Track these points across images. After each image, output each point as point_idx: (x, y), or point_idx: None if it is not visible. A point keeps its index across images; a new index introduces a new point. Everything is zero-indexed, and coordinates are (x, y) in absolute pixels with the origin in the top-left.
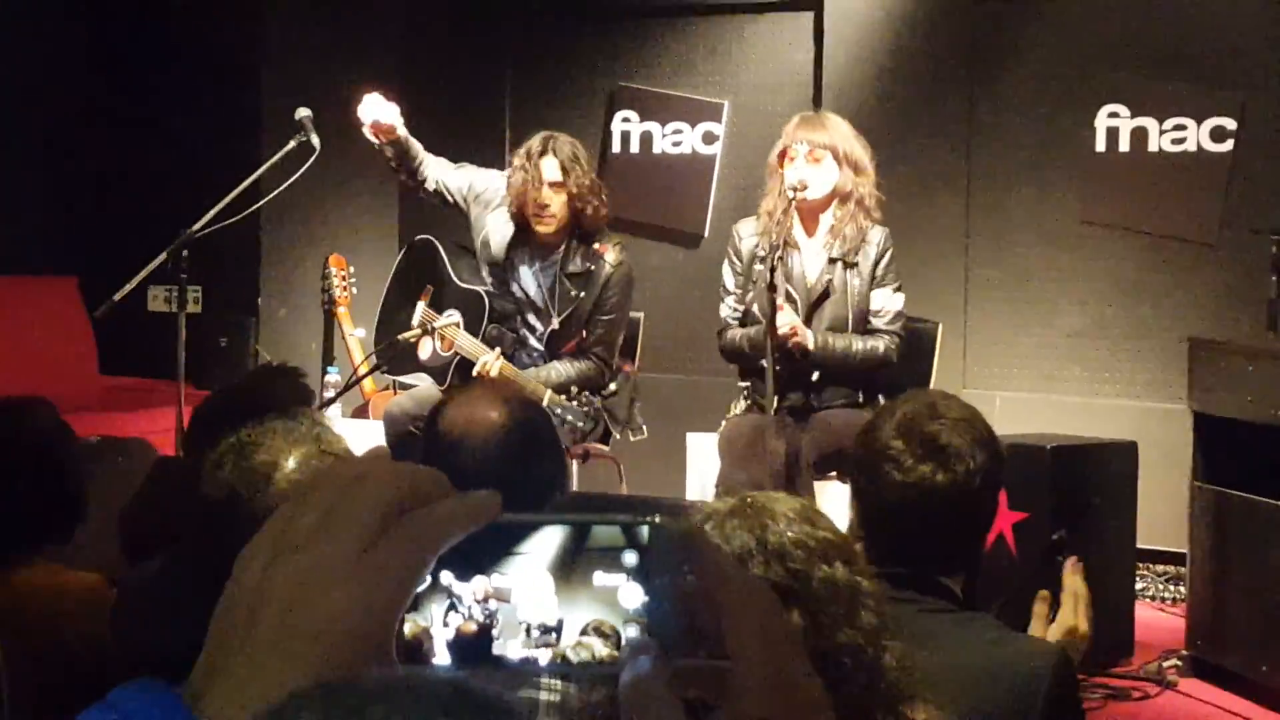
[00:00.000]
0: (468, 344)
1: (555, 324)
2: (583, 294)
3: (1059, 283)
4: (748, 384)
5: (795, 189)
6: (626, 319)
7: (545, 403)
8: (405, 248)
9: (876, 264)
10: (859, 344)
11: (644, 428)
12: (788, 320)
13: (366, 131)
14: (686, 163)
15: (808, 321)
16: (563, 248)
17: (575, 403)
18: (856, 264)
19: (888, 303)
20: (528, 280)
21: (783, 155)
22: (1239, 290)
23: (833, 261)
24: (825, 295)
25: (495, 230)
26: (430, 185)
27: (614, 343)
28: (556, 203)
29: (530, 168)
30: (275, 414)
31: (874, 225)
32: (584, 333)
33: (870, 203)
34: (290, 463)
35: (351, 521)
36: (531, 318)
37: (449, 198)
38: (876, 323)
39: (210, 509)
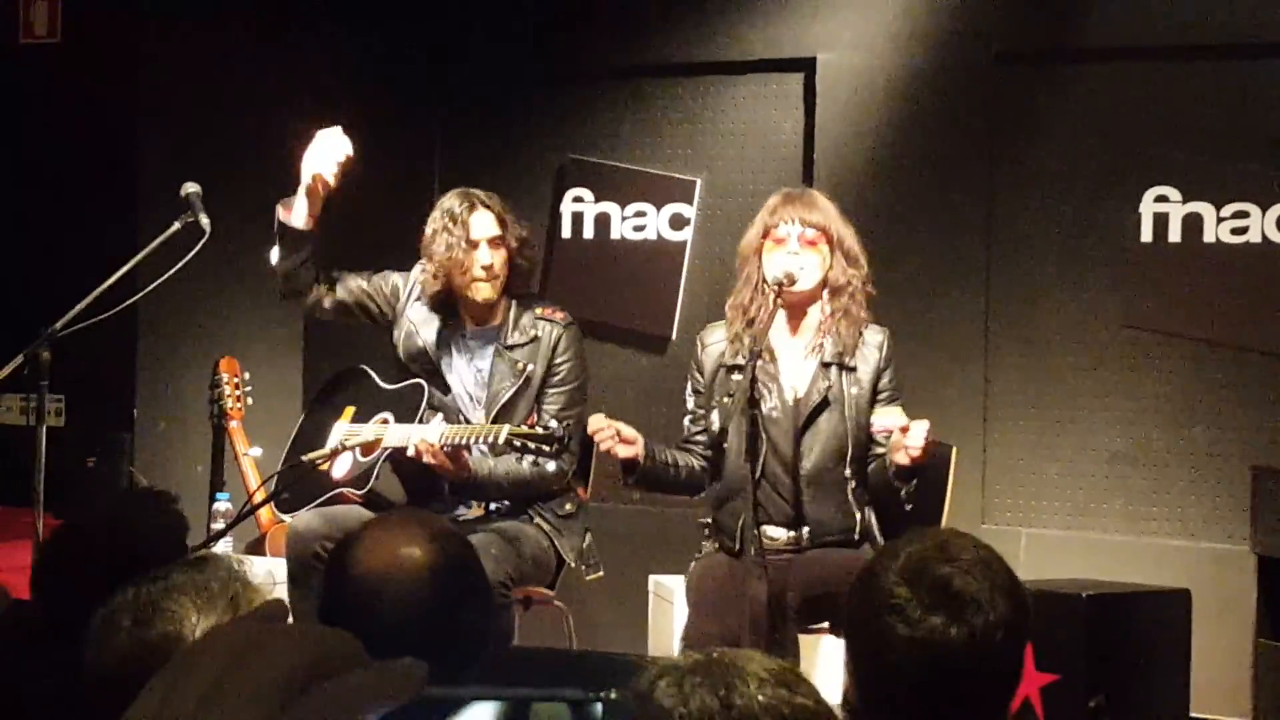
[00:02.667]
0: (399, 434)
1: (498, 407)
2: (531, 365)
3: (1097, 399)
4: (708, 521)
5: (783, 282)
6: (586, 392)
7: (504, 436)
8: (333, 376)
9: (880, 374)
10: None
11: (600, 565)
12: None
13: (320, 174)
14: (651, 251)
15: (799, 440)
16: (500, 320)
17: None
18: (855, 368)
19: (897, 421)
20: (464, 373)
21: (766, 235)
22: None
23: (827, 366)
24: (823, 406)
25: (419, 323)
26: (341, 292)
27: (577, 418)
28: (498, 261)
29: (456, 228)
30: (183, 564)
31: (870, 324)
32: (536, 412)
33: (866, 294)
34: (199, 634)
35: (245, 699)
36: (473, 415)
37: (371, 302)
38: (880, 451)
39: (96, 680)
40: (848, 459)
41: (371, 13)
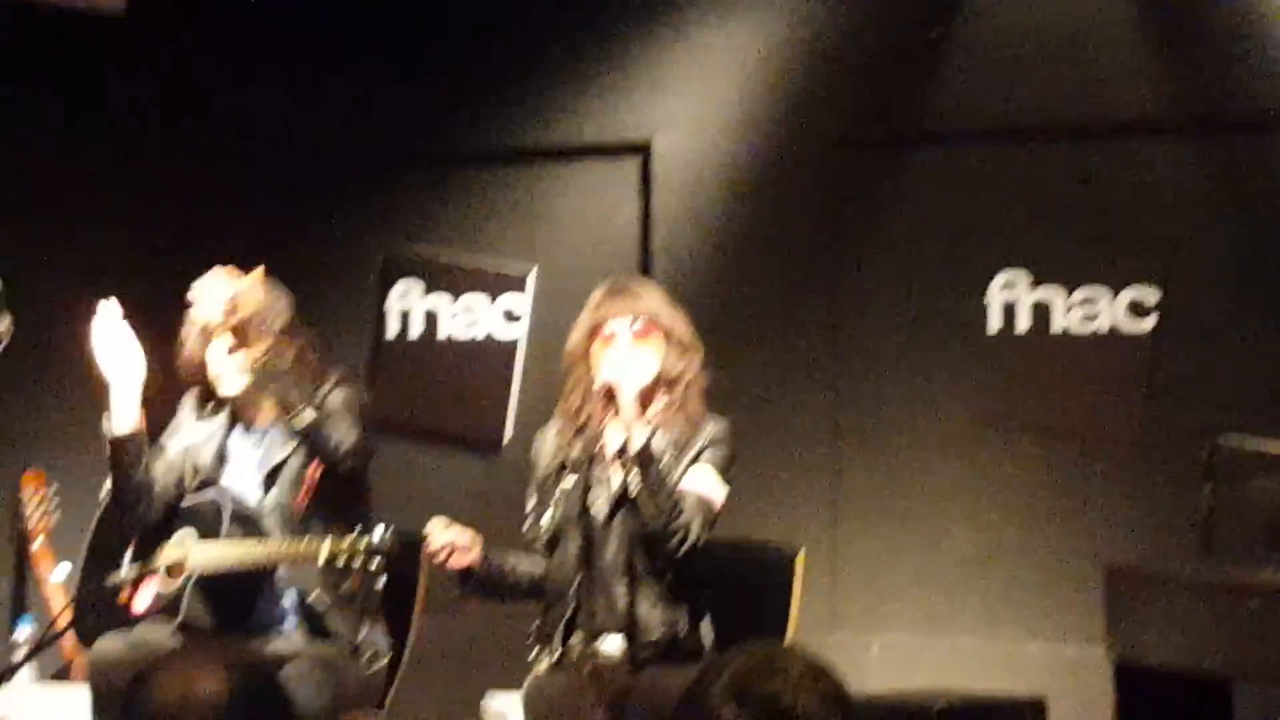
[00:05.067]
0: (206, 554)
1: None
2: (297, 443)
3: (948, 497)
4: (536, 625)
5: (613, 383)
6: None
7: (324, 555)
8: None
9: (702, 449)
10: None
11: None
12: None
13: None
14: (482, 350)
15: (629, 543)
16: (274, 414)
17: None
18: (676, 456)
19: (702, 483)
20: (245, 471)
21: (594, 335)
22: (1167, 505)
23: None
24: (624, 496)
25: (191, 435)
26: (159, 487)
27: (363, 484)
28: (236, 351)
29: (206, 312)
30: None
31: (709, 415)
32: (311, 490)
33: (703, 386)
34: None
35: None
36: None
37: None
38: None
39: None
40: None
41: (182, 93)
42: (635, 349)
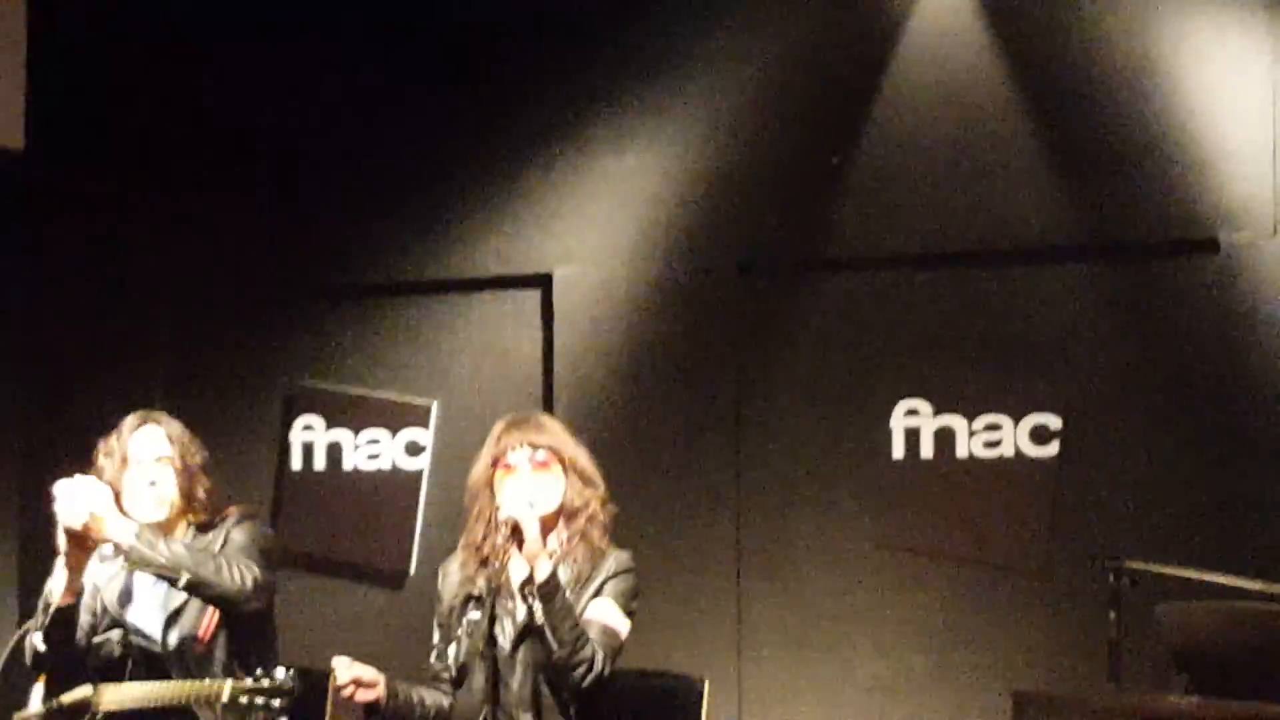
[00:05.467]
0: (112, 694)
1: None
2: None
3: (854, 624)
4: None
5: (516, 515)
6: (268, 547)
7: (227, 694)
8: (19, 634)
9: (605, 582)
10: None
11: None
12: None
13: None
14: (386, 482)
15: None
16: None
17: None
18: (578, 587)
19: (606, 615)
20: (137, 617)
21: (495, 466)
22: (1073, 629)
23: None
24: (528, 628)
25: (97, 573)
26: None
27: (266, 619)
28: (163, 478)
29: (119, 446)
30: None
31: (612, 548)
32: (212, 629)
33: (605, 518)
34: None
35: None
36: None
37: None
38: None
39: None
40: None
41: (86, 230)
42: (537, 479)
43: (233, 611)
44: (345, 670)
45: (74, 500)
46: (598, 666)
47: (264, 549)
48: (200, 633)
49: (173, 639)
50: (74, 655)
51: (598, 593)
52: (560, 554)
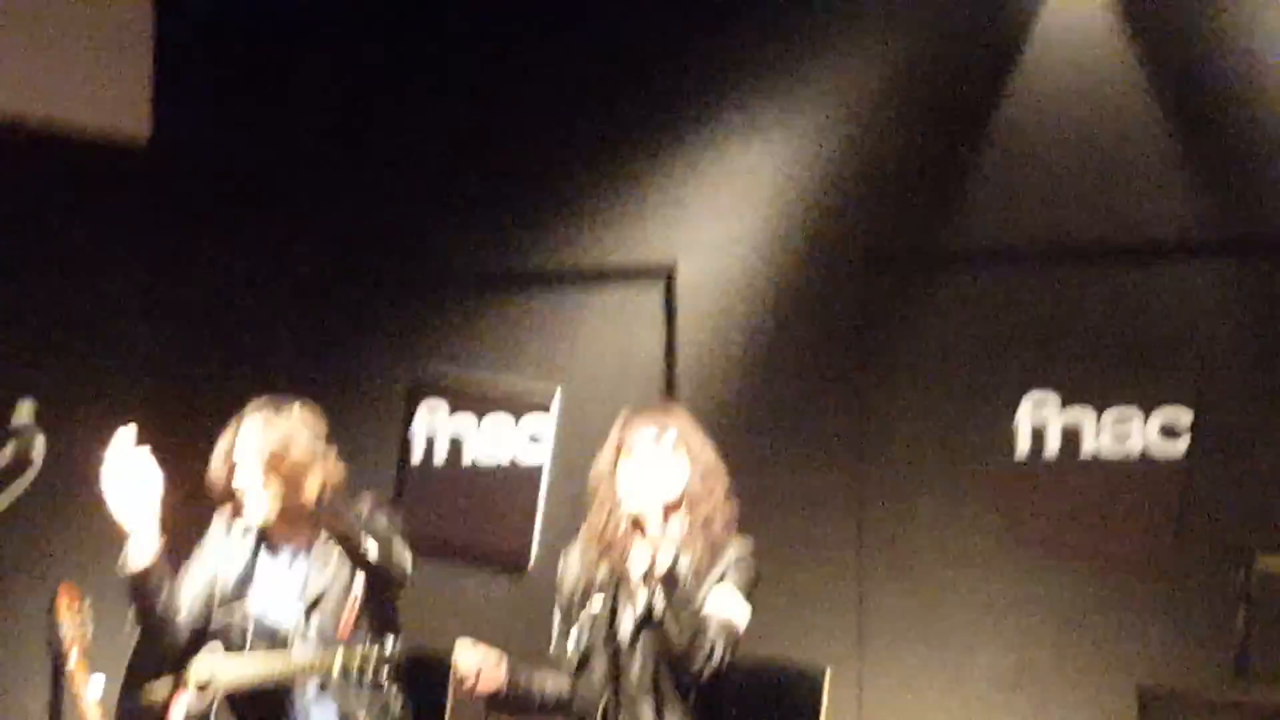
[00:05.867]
0: (231, 671)
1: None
2: (349, 573)
3: (977, 618)
4: None
5: (638, 503)
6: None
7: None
8: None
9: (725, 571)
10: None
11: None
12: None
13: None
14: (507, 471)
15: (654, 663)
16: (306, 537)
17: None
18: (699, 577)
19: (726, 605)
20: (276, 592)
21: (619, 453)
22: (1200, 628)
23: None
24: (648, 618)
25: (220, 555)
26: (185, 619)
27: (394, 607)
28: (269, 474)
29: (232, 437)
30: None
31: (732, 539)
32: (353, 619)
33: (729, 508)
34: None
35: None
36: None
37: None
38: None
39: None
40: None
41: (209, 219)
42: (660, 464)
43: (388, 593)
44: (468, 656)
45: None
46: (716, 657)
47: (402, 533)
48: (340, 627)
49: (312, 629)
50: (174, 631)
51: (718, 582)
52: (681, 544)
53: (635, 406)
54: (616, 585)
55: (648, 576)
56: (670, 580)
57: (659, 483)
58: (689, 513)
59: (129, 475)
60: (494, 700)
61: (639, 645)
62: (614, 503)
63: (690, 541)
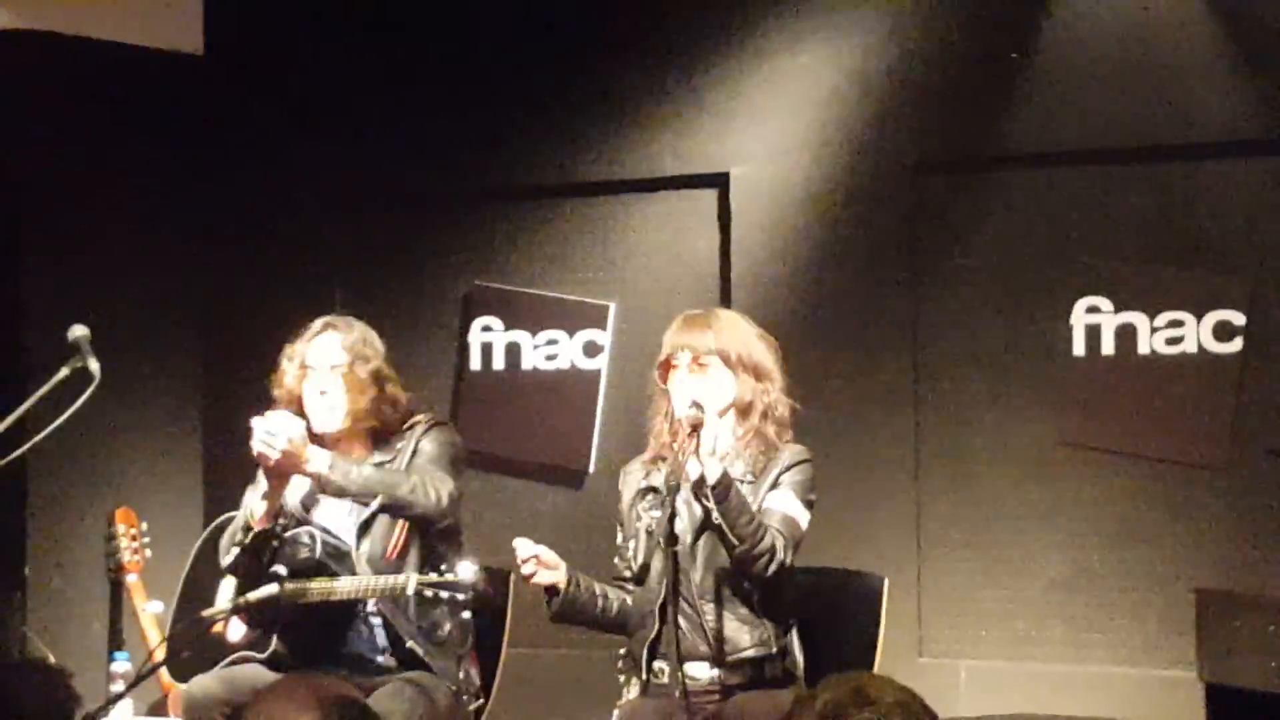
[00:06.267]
0: (297, 590)
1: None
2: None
3: (1033, 522)
4: (622, 653)
5: (690, 419)
6: (460, 466)
7: (412, 587)
8: (211, 527)
9: (781, 473)
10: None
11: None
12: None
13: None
14: (564, 381)
15: (710, 566)
16: (365, 455)
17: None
18: (754, 482)
19: (785, 505)
20: (336, 513)
21: (666, 368)
22: (1257, 527)
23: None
24: (705, 524)
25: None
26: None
27: (453, 527)
28: (334, 388)
29: (300, 352)
30: None
31: (788, 443)
32: (402, 543)
33: (782, 411)
34: None
35: None
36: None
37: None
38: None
39: None
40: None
41: (264, 135)
42: (696, 381)
43: (428, 528)
44: (526, 549)
45: (270, 434)
46: (779, 555)
47: (454, 459)
48: (388, 551)
49: (363, 550)
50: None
51: (775, 485)
52: (734, 450)
53: (683, 316)
54: (675, 491)
55: (699, 488)
56: (721, 490)
57: (708, 391)
58: (740, 420)
59: (280, 433)
60: (553, 600)
61: (698, 550)
62: (668, 409)
63: (744, 447)
